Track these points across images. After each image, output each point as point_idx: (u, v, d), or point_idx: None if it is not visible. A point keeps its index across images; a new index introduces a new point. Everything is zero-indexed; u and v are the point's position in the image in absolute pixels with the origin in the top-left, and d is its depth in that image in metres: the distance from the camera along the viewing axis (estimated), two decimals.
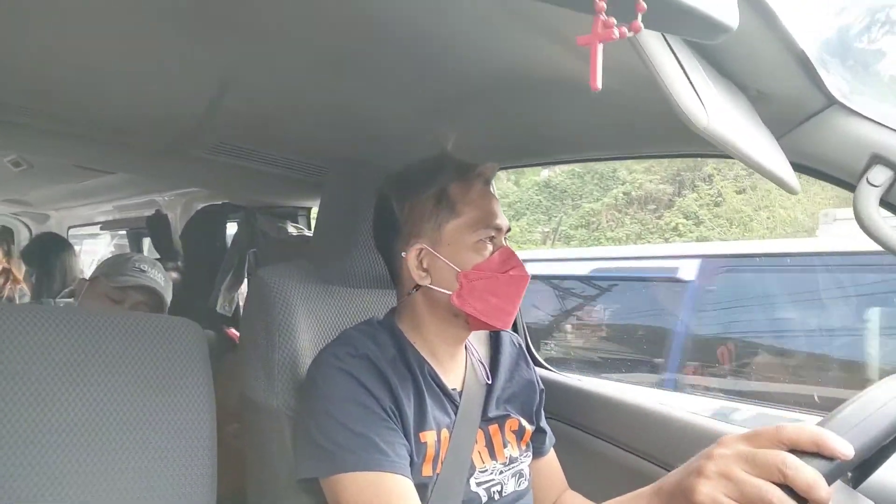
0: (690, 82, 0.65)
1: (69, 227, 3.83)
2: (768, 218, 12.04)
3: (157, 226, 2.94)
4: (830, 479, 0.55)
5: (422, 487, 0.95)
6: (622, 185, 14.08)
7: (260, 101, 1.23)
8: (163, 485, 1.01)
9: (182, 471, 1.03)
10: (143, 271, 1.77)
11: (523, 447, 1.12)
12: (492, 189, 1.08)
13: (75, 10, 0.88)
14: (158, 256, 2.93)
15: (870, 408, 0.61)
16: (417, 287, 1.03)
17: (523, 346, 1.24)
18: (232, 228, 2.59)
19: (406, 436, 0.94)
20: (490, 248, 1.01)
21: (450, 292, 0.99)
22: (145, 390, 1.02)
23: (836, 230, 5.74)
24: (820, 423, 0.60)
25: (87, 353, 0.98)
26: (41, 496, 0.91)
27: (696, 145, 1.14)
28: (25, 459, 0.90)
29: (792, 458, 0.55)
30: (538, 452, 1.18)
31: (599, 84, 0.49)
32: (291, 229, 2.26)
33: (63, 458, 0.93)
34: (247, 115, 1.31)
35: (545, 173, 16.56)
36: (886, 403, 0.62)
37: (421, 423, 0.97)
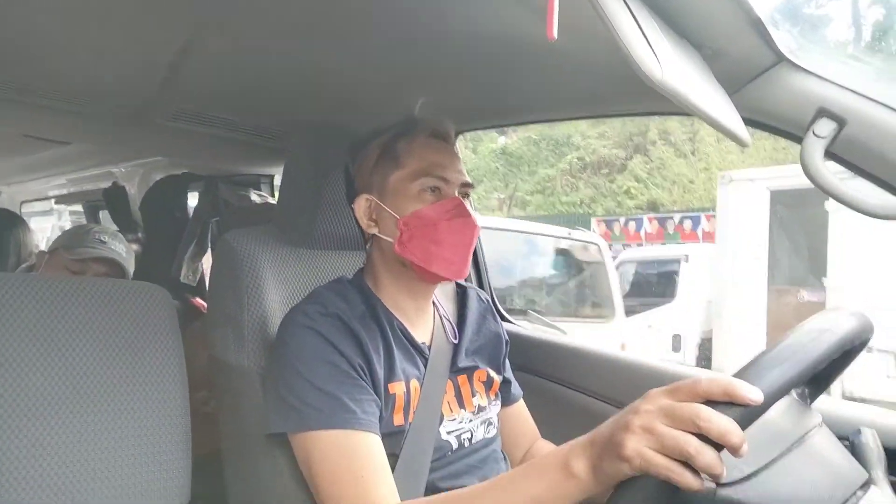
0: (645, 36, 0.68)
1: (22, 203, 3.72)
2: (708, 180, 12.40)
3: (114, 198, 2.87)
4: (745, 424, 0.60)
5: (395, 435, 0.98)
6: (576, 150, 14.36)
7: (222, 65, 1.21)
8: (137, 446, 1.02)
9: (156, 431, 1.04)
10: (104, 242, 1.74)
11: (492, 397, 1.16)
12: (448, 145, 1.10)
13: None
14: (117, 229, 2.88)
15: (800, 342, 0.67)
16: (371, 240, 1.09)
17: (489, 301, 1.28)
18: (193, 199, 2.55)
19: (376, 389, 0.96)
20: (432, 197, 1.03)
21: (392, 240, 1.03)
22: (114, 355, 1.03)
23: (732, 189, 6.39)
24: (747, 366, 0.65)
25: (52, 320, 0.98)
26: (13, 457, 0.91)
27: (655, 103, 1.17)
28: None
29: (705, 410, 0.60)
30: (505, 402, 1.22)
31: (555, 34, 0.51)
32: (254, 197, 2.24)
33: (34, 424, 0.94)
34: (208, 80, 1.29)
35: (502, 140, 16.72)
36: (814, 338, 0.67)
37: (390, 375, 1.00)
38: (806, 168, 0.95)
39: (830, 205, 5.59)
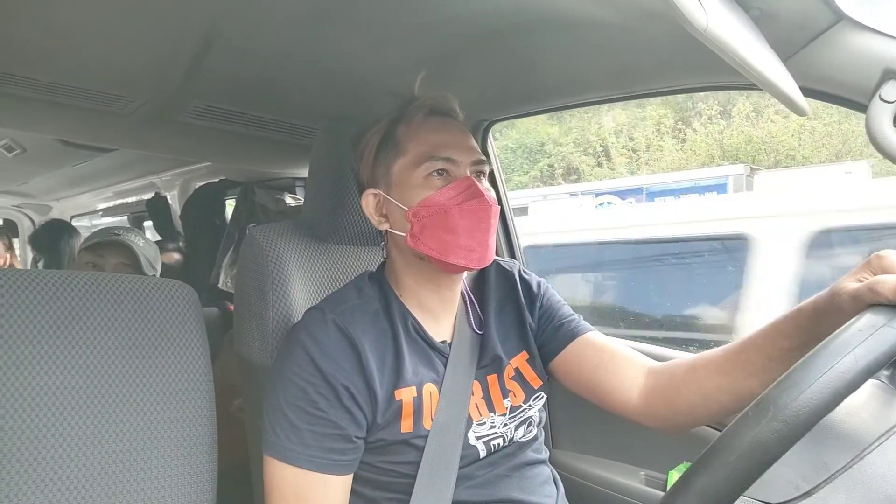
0: None
1: (72, 217, 3.82)
2: None
3: (156, 208, 2.92)
4: None
5: (402, 444, 0.92)
6: (548, 157, 14.60)
7: (245, 59, 1.18)
8: (160, 447, 0.99)
9: (180, 433, 1.01)
10: (118, 234, 1.77)
11: (533, 388, 1.05)
12: (452, 120, 1.00)
13: None
14: (160, 238, 2.92)
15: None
16: (386, 235, 1.01)
17: (516, 271, 1.14)
18: (231, 205, 2.57)
19: (374, 399, 0.90)
20: (441, 182, 0.94)
21: (404, 234, 0.95)
22: (138, 352, 0.99)
23: None
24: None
25: (74, 316, 0.95)
26: (33, 460, 0.88)
27: (700, 76, 1.09)
28: (15, 424, 0.88)
29: None
30: (571, 335, 1.07)
31: None
32: (290, 201, 2.23)
33: (55, 422, 0.91)
34: (232, 76, 1.27)
35: None
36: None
37: (397, 381, 0.92)
38: (873, 137, 0.85)
39: None
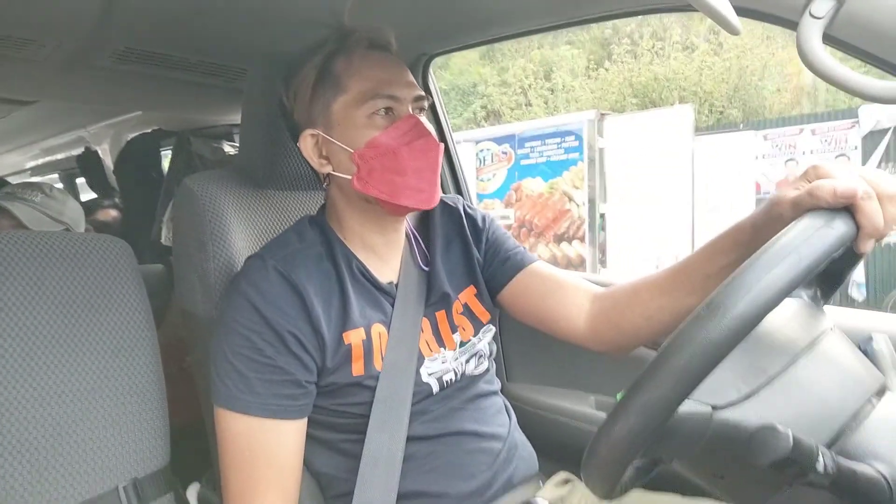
0: None
1: None
2: None
3: (87, 163, 2.80)
4: None
5: (356, 387, 0.92)
6: (481, 99, 14.62)
7: None
8: (108, 406, 0.97)
9: (127, 390, 0.99)
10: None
11: (482, 322, 1.07)
12: (392, 55, 0.97)
13: None
14: (95, 196, 2.81)
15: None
16: (328, 178, 0.98)
17: (461, 206, 1.14)
18: (168, 157, 2.46)
19: (322, 344, 0.89)
20: (385, 121, 0.92)
21: (350, 177, 0.93)
22: (72, 312, 0.96)
23: None
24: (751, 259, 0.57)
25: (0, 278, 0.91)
26: None
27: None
28: None
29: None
30: (517, 267, 1.09)
31: None
32: (228, 149, 2.15)
33: None
34: (151, 12, 1.18)
35: None
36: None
37: (344, 323, 0.92)
38: (803, 54, 0.85)
39: None
